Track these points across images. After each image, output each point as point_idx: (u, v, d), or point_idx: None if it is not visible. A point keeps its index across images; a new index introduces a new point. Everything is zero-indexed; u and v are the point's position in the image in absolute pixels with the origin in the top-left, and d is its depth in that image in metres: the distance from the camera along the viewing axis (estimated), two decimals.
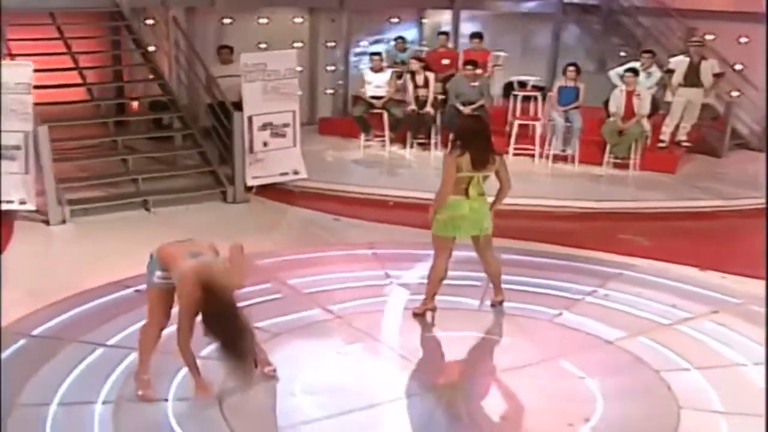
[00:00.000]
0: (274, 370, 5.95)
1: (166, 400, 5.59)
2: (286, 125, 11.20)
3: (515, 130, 12.80)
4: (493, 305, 7.25)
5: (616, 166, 12.35)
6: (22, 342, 6.41)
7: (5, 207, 9.57)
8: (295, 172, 11.35)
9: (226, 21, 14.48)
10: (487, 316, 7.17)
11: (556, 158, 12.63)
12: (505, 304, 7.26)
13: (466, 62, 13.00)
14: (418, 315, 7.08)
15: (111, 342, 6.37)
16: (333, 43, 15.75)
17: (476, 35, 14.45)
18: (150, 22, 13.04)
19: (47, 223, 9.63)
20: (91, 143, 11.57)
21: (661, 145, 12.77)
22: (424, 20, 16.89)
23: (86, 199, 10.12)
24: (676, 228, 10.12)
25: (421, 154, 13.15)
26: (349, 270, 8.09)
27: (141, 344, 5.67)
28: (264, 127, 11.03)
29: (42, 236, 9.41)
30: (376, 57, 13.51)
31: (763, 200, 10.62)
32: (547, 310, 7.19)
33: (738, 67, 14.37)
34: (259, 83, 10.93)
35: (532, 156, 12.76)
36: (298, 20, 15.57)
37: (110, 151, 11.34)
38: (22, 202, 9.64)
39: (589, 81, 12.96)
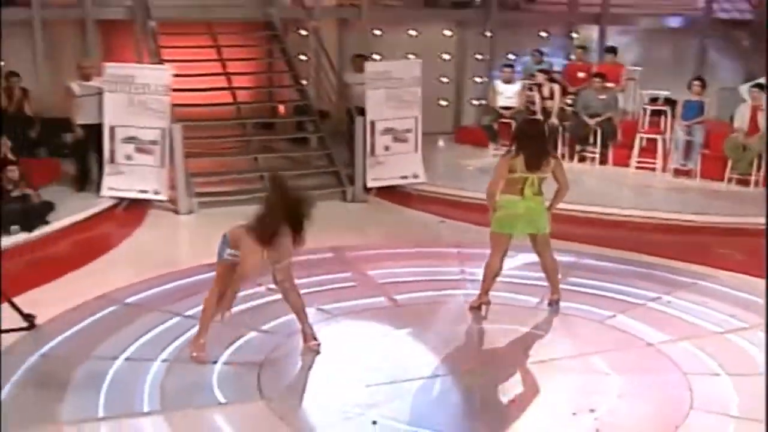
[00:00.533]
0: (318, 345, 6.51)
1: (215, 362, 6.27)
2: (407, 131, 11.78)
3: (639, 143, 12.81)
4: (549, 304, 7.50)
5: (738, 182, 12.08)
6: (114, 307, 7.33)
7: (140, 196, 10.68)
8: (415, 176, 11.88)
9: (377, 32, 15.25)
10: (540, 313, 7.42)
11: (678, 173, 12.51)
12: (564, 304, 7.48)
13: (595, 75, 13.16)
14: (474, 308, 7.44)
15: (188, 313, 7.09)
16: (480, 56, 16.21)
17: (611, 50, 14.57)
18: (303, 33, 14.01)
19: (176, 212, 10.66)
20: (226, 143, 12.56)
21: None
22: (574, 35, 17.01)
23: (213, 192, 11.08)
24: None
25: None
26: (428, 266, 8.55)
27: (203, 310, 6.38)
28: (386, 131, 11.64)
29: (170, 223, 10.46)
30: (507, 69, 13.88)
31: None
32: (602, 312, 7.35)
33: None
34: (383, 90, 11.54)
35: (654, 169, 12.72)
36: (448, 33, 16.16)
37: (244, 149, 12.27)
38: (156, 192, 10.72)
39: (724, 96, 12.77)
